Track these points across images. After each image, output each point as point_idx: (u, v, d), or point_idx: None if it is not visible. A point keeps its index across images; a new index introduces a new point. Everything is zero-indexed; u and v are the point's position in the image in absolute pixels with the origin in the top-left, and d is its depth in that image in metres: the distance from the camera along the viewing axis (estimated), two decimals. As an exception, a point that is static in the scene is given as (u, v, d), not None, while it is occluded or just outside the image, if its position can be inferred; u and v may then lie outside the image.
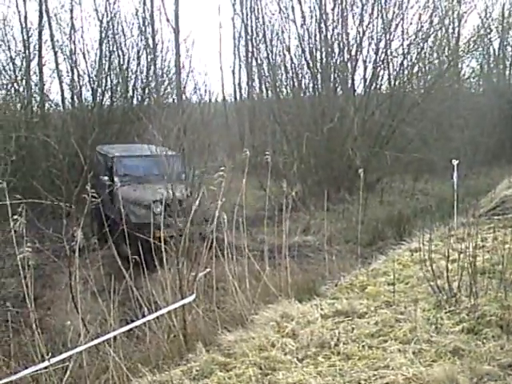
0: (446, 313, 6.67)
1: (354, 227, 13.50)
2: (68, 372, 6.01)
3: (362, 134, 21.16)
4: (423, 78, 25.74)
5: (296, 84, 23.65)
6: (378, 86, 23.35)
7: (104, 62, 23.01)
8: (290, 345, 6.06)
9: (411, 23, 22.76)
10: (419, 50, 23.15)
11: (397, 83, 23.06)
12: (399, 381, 5.04)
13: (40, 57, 21.98)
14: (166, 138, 11.68)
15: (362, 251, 10.67)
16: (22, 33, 21.60)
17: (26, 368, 5.66)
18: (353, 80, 22.80)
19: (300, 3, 22.85)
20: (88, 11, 23.07)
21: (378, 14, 22.15)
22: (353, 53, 22.40)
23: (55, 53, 22.44)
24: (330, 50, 22.29)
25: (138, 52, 23.89)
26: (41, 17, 21.82)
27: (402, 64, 22.89)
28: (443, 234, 10.25)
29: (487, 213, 12.25)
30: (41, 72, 22.06)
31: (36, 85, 22.06)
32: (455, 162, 10.22)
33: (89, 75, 22.84)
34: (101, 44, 22.97)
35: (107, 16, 23.02)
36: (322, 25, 22.29)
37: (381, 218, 15.79)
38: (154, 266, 8.25)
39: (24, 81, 21.57)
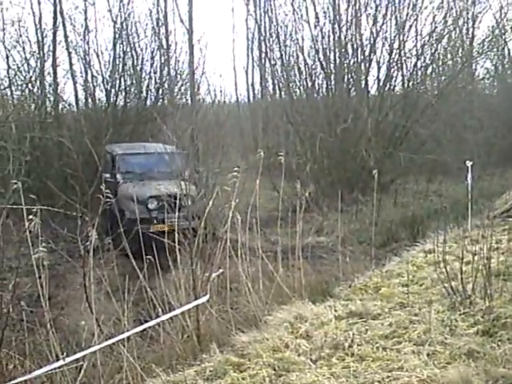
0: (460, 315, 6.65)
1: (368, 228, 13.48)
2: (82, 371, 6.03)
3: (376, 134, 21.08)
4: (437, 79, 25.64)
5: (309, 85, 23.60)
6: (392, 87, 23.24)
7: (118, 62, 23.01)
8: (304, 346, 6.05)
9: (425, 24, 22.69)
10: (433, 50, 23.03)
11: (410, 84, 22.95)
12: (413, 383, 5.03)
13: (54, 57, 22.01)
14: (179, 138, 11.70)
15: (376, 252, 10.63)
16: (36, 34, 21.64)
17: (41, 367, 5.69)
18: (366, 81, 22.73)
19: (314, 4, 22.82)
20: (102, 12, 23.17)
21: (391, 15, 22.05)
22: (366, 53, 22.33)
23: (69, 53, 22.50)
24: (343, 50, 22.24)
25: (152, 53, 23.87)
26: (55, 18, 21.87)
27: (415, 65, 22.78)
28: (457, 235, 10.22)
29: (501, 214, 12.19)
30: (55, 73, 22.10)
31: (50, 85, 22.10)
32: (469, 164, 10.16)
33: (103, 76, 22.88)
34: (115, 45, 22.99)
35: (121, 17, 23.02)
36: (336, 25, 22.22)
37: (394, 219, 15.73)
38: (167, 266, 8.27)
39: (38, 81, 21.60)
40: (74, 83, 22.78)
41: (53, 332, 6.47)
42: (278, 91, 28.68)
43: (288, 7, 24.56)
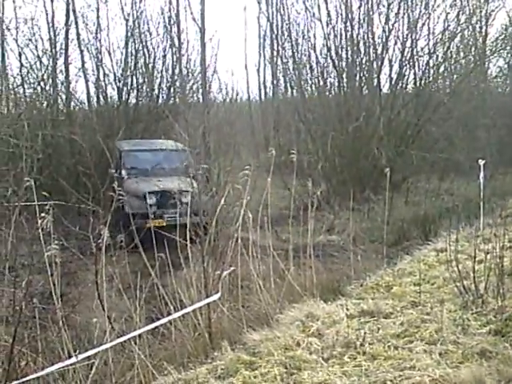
0: (472, 314, 6.63)
1: (379, 227, 13.44)
2: (94, 369, 6.04)
3: (388, 133, 21.03)
4: (449, 78, 25.54)
5: (321, 83, 23.58)
6: (404, 86, 23.17)
7: (130, 60, 23.11)
8: (316, 344, 6.05)
9: (438, 22, 22.68)
10: (446, 49, 22.92)
11: (423, 83, 22.85)
12: (426, 382, 5.01)
13: (66, 56, 22.12)
14: (191, 136, 11.72)
15: (388, 251, 10.60)
16: (48, 32, 21.76)
17: (53, 364, 5.71)
18: (378, 79, 22.63)
19: (326, 2, 22.74)
20: (114, 10, 23.25)
21: (404, 13, 21.99)
22: (379, 52, 22.27)
23: (81, 51, 22.61)
24: (355, 48, 22.19)
25: (164, 51, 23.98)
26: (68, 16, 21.96)
27: (428, 63, 22.71)
28: (469, 234, 10.20)
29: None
30: (67, 71, 22.21)
31: (62, 83, 22.22)
32: (482, 162, 10.11)
33: (114, 74, 22.99)
34: (127, 43, 23.08)
35: (133, 15, 23.14)
36: (348, 23, 22.17)
37: (406, 217, 15.69)
38: (179, 263, 8.28)
39: (50, 79, 21.71)
40: (86, 81, 22.93)
41: (65, 329, 6.49)
42: (289, 89, 28.73)
43: (300, 5, 24.64)
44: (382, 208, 13.76)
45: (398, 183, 19.95)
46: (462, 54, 25.39)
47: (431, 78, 23.32)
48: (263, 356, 5.89)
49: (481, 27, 26.64)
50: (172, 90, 24.34)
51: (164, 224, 12.83)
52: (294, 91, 26.77)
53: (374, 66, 22.55)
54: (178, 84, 24.52)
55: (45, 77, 21.56)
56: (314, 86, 24.40)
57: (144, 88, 23.54)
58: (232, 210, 9.14)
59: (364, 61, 22.57)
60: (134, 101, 23.26)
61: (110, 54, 22.89)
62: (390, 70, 22.44)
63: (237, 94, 26.61)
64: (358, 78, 22.78)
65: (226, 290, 7.76)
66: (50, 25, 21.79)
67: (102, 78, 22.99)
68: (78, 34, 22.45)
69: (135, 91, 23.22)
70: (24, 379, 5.45)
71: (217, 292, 6.92)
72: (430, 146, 21.99)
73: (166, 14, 24.39)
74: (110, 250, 7.37)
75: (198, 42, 24.97)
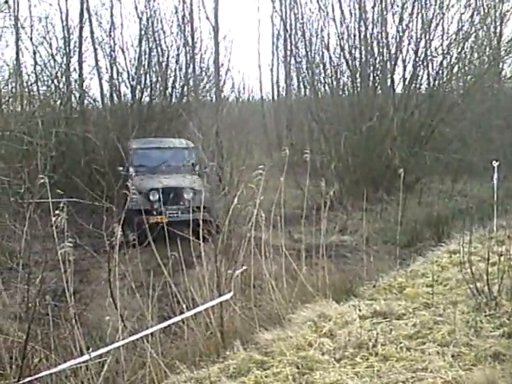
0: (485, 316, 6.61)
1: (392, 228, 13.42)
2: (106, 366, 6.05)
3: (401, 133, 20.96)
4: (463, 78, 25.40)
5: (335, 83, 23.57)
6: (418, 86, 23.09)
7: (143, 59, 23.14)
8: (328, 345, 6.05)
9: (452, 22, 22.56)
10: (459, 49, 22.81)
11: (436, 83, 22.78)
12: (438, 384, 5.00)
13: (80, 54, 22.23)
14: (204, 135, 11.75)
15: (400, 252, 10.57)
16: (63, 30, 21.92)
17: (65, 361, 5.73)
18: (392, 79, 22.57)
19: (340, 2, 22.72)
20: (128, 9, 23.32)
21: (418, 13, 21.90)
22: (392, 52, 22.21)
23: (95, 50, 22.72)
24: (369, 48, 22.16)
25: (178, 50, 24.00)
26: (82, 14, 22.08)
27: (441, 64, 22.62)
28: (482, 236, 10.15)
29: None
30: (81, 69, 22.32)
31: (76, 81, 22.34)
32: (495, 164, 10.07)
33: (128, 72, 23.05)
34: (140, 41, 23.13)
35: (147, 14, 23.20)
36: (362, 23, 22.16)
37: (419, 218, 15.62)
38: (191, 262, 8.29)
39: (64, 77, 21.83)
40: (100, 79, 23.03)
41: (77, 327, 6.50)
42: (302, 89, 28.74)
43: (314, 5, 24.58)
44: (395, 209, 13.73)
45: (411, 184, 19.87)
46: (476, 55, 25.23)
47: (445, 79, 23.23)
48: (275, 356, 5.89)
49: (495, 27, 26.48)
50: (185, 88, 24.36)
51: (166, 220, 12.88)
52: (307, 90, 26.79)
53: (388, 65, 22.50)
54: (191, 83, 24.55)
55: (59, 75, 21.69)
56: (327, 85, 24.39)
57: (157, 87, 23.58)
58: (245, 209, 9.14)
59: (378, 61, 22.53)
60: (147, 99, 23.32)
61: (123, 52, 22.98)
62: (404, 70, 22.42)
63: (250, 93, 26.63)
64: (371, 77, 22.74)
65: (238, 290, 7.76)
66: (64, 23, 21.98)
67: (115, 76, 23.11)
68: (92, 33, 22.57)
69: (149, 90, 23.27)
70: (37, 376, 5.47)
71: (229, 291, 6.92)
72: (443, 147, 21.89)
73: (180, 12, 24.47)
74: (122, 248, 7.38)
75: (212, 41, 25.04)
